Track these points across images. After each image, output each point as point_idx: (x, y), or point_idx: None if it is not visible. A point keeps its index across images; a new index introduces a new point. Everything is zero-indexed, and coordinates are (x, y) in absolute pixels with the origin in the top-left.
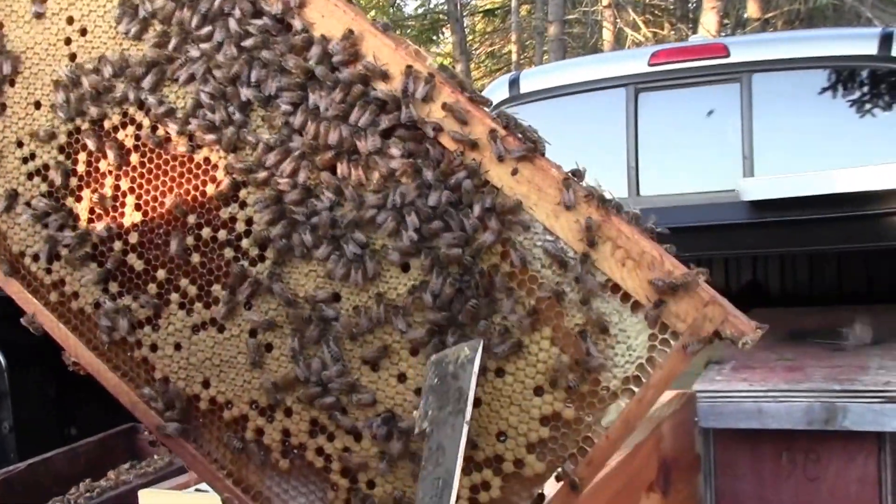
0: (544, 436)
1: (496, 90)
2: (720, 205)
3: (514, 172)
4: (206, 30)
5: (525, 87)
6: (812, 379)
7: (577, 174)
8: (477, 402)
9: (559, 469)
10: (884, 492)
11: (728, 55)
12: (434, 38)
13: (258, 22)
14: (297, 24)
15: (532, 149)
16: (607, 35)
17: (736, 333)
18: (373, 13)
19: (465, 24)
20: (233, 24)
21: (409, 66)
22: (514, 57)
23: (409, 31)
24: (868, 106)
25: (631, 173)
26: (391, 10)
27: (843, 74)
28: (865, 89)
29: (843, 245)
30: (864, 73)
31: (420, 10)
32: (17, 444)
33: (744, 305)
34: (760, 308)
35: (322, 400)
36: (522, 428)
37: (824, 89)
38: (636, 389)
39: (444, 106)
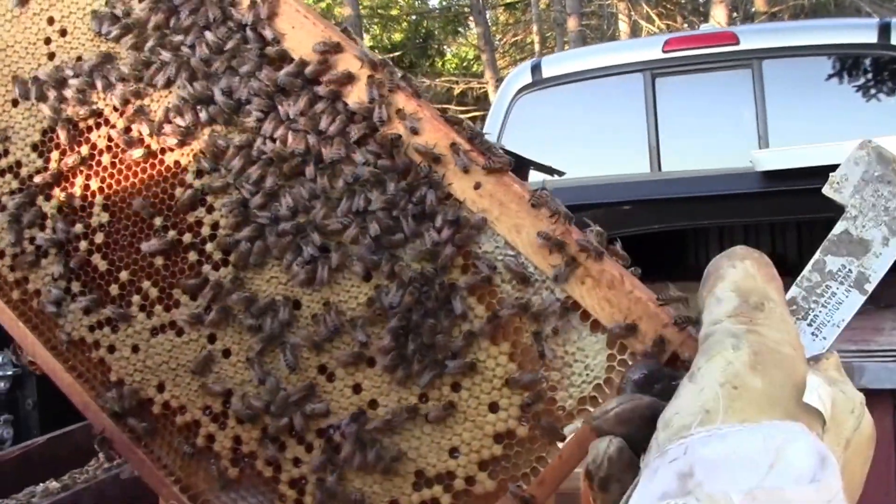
0: (497, 453)
1: (519, 76)
2: (738, 175)
3: (477, 186)
4: (178, 37)
5: (547, 72)
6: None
7: (540, 193)
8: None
9: (510, 488)
10: None
11: (738, 43)
12: (459, 29)
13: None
14: (267, 34)
15: (499, 164)
16: (623, 27)
17: (691, 354)
18: (399, 5)
19: (487, 17)
20: (208, 34)
21: (370, 76)
22: (536, 47)
23: (434, 23)
24: (869, 89)
25: (653, 153)
26: (416, 4)
27: (846, 61)
28: (867, 75)
29: None
30: (866, 60)
31: (444, 3)
32: (41, 420)
33: None
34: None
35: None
36: (475, 444)
37: (830, 75)
38: (592, 410)
39: (399, 114)
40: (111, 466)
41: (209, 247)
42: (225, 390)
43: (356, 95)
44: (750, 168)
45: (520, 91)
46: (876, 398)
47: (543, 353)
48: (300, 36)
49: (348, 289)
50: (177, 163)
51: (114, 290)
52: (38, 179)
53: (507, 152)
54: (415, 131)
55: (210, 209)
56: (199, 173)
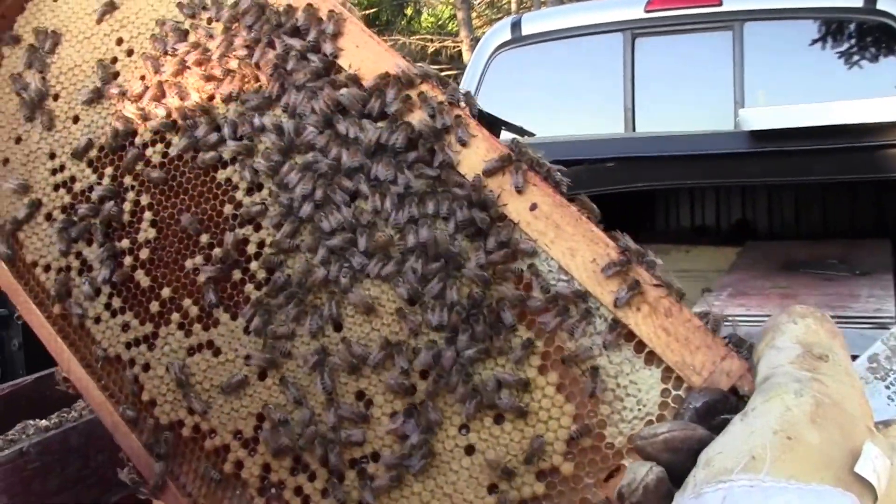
0: (539, 492)
1: (498, 32)
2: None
3: (533, 207)
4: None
5: (527, 29)
6: (805, 305)
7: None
8: (470, 451)
9: None
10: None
11: (720, 3)
12: None
13: (295, 43)
14: (327, 48)
15: (557, 187)
16: None
17: (750, 389)
18: None
19: None
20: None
21: (440, 103)
22: (513, 6)
23: None
24: (852, 55)
25: (627, 114)
26: None
27: (830, 25)
28: (850, 40)
29: (853, 175)
30: (850, 25)
31: None
32: (26, 361)
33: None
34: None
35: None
36: (517, 481)
37: (813, 40)
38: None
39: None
40: None
41: (253, 265)
42: (258, 413)
43: (417, 115)
44: (727, 129)
45: (498, 48)
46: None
47: (595, 391)
48: (364, 55)
49: (392, 312)
50: (228, 179)
51: (154, 307)
52: (90, 195)
53: (482, 112)
54: (468, 146)
55: (258, 227)
56: (250, 190)
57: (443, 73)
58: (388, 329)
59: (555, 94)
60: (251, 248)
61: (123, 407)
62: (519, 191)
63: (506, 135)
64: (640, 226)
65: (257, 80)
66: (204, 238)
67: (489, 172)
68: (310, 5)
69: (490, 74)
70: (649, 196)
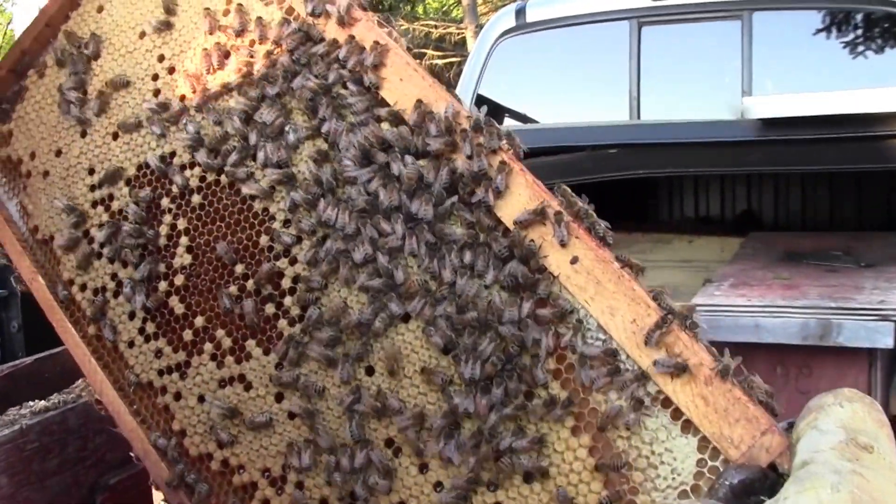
0: None
1: (502, 19)
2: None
3: (574, 261)
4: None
5: (531, 16)
6: (808, 296)
7: (633, 266)
8: None
9: None
10: None
11: None
12: None
13: (338, 73)
14: (368, 79)
15: (602, 240)
16: None
17: (790, 468)
18: None
19: None
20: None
21: (479, 145)
22: None
23: None
24: (862, 45)
25: (633, 103)
26: None
27: (838, 15)
28: (857, 30)
29: (859, 165)
30: (858, 15)
31: None
32: (26, 343)
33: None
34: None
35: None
36: None
37: (819, 29)
38: None
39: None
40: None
41: (287, 301)
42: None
43: (460, 156)
44: (734, 117)
45: (502, 35)
46: (853, 356)
47: (625, 463)
48: (407, 89)
49: (426, 359)
50: (265, 209)
51: (187, 335)
52: (128, 214)
53: (482, 97)
54: (504, 194)
55: (293, 261)
56: (287, 222)
57: (446, 60)
58: (419, 377)
59: (559, 81)
60: (286, 283)
61: (155, 436)
62: (563, 244)
63: (509, 122)
64: (643, 215)
65: (297, 107)
66: (239, 268)
67: (525, 224)
68: (352, 36)
69: (493, 61)
70: (653, 185)
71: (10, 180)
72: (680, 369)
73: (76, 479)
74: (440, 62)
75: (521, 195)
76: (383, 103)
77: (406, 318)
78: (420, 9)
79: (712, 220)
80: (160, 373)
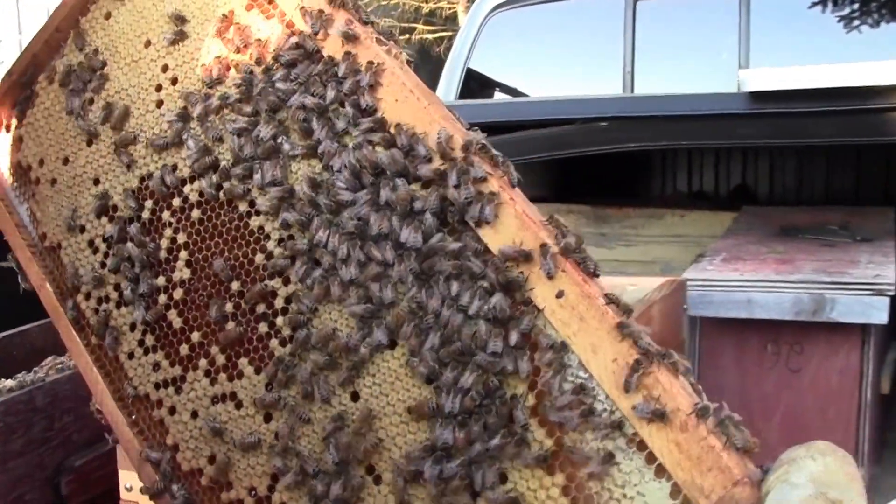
0: None
1: None
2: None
3: (559, 295)
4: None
5: None
6: (802, 271)
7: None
8: None
9: None
10: (864, 384)
11: None
12: None
13: (332, 93)
14: (364, 101)
15: (591, 274)
16: None
17: None
18: None
19: None
20: (308, 100)
21: (464, 173)
22: None
23: None
24: (853, 20)
25: (626, 77)
26: None
27: None
28: (854, 3)
29: (855, 137)
30: None
31: None
32: None
33: None
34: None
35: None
36: None
37: (816, 2)
38: None
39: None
40: (63, 366)
41: (279, 321)
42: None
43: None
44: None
45: (494, 9)
46: (846, 333)
47: None
48: (402, 111)
49: (409, 388)
50: (261, 227)
51: (184, 349)
52: (130, 227)
53: (472, 71)
54: (492, 224)
55: (286, 281)
56: (282, 241)
57: (436, 35)
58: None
59: (552, 56)
60: (279, 303)
61: (146, 451)
62: (549, 276)
63: (500, 95)
64: (635, 190)
65: (293, 126)
66: (235, 285)
67: (512, 256)
68: (349, 53)
69: (485, 36)
70: (646, 160)
71: (20, 185)
72: (657, 416)
73: (41, 461)
74: (430, 37)
75: (509, 225)
76: (381, 124)
77: (392, 345)
78: None
79: (706, 195)
80: (157, 386)
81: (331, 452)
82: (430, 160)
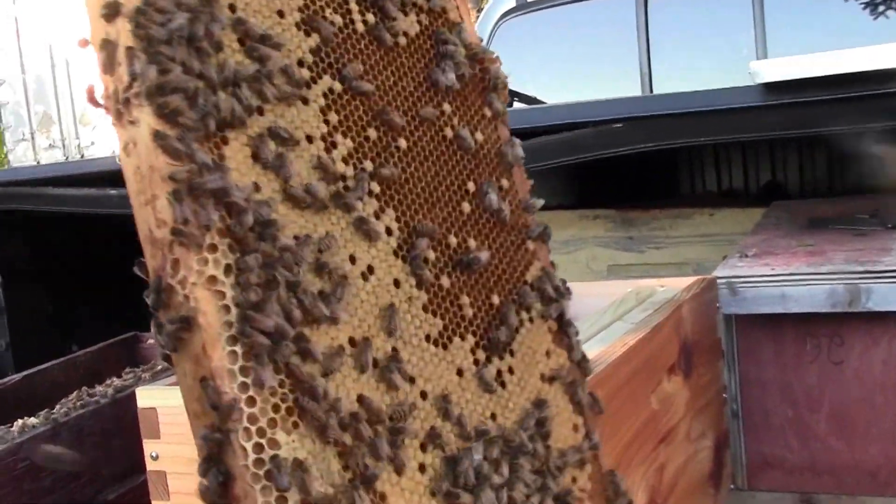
0: None
1: (502, 0)
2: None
3: None
4: None
5: None
6: (833, 262)
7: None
8: None
9: None
10: None
11: None
12: None
13: None
14: None
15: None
16: None
17: None
18: None
19: None
20: None
21: None
22: None
23: None
24: (878, 7)
25: (644, 78)
26: None
27: None
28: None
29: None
30: None
31: None
32: (15, 361)
33: None
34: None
35: None
36: None
37: None
38: None
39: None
40: (87, 401)
41: None
42: None
43: None
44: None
45: (503, 16)
46: (885, 321)
47: None
48: None
49: None
50: None
51: None
52: None
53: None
54: None
55: None
56: None
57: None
58: None
59: (566, 61)
60: None
61: None
62: None
63: (516, 104)
64: (663, 191)
65: None
66: None
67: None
68: None
69: (496, 44)
70: (672, 160)
71: None
72: None
73: (71, 497)
74: None
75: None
76: None
77: None
78: None
79: (736, 193)
80: None
81: None
82: None
